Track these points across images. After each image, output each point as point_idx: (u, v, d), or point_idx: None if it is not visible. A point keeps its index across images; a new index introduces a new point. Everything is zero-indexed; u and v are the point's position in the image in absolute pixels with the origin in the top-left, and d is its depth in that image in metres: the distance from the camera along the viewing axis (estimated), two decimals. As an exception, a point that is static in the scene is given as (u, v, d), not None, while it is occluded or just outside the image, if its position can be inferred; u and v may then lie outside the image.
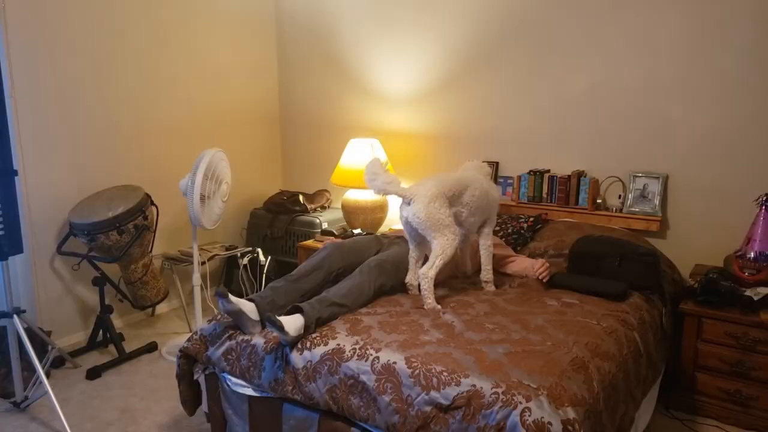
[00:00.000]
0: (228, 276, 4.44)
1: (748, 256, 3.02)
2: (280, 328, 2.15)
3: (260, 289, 4.09)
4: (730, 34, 3.13)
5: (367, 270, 2.59)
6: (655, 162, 3.43)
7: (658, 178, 3.40)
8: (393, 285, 2.68)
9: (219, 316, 2.52)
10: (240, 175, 4.55)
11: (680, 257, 3.32)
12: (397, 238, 3.00)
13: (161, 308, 4.21)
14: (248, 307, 2.38)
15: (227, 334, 2.43)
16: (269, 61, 4.82)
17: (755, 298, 2.76)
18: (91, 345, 3.59)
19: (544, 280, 2.75)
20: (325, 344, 2.20)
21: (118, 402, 3.02)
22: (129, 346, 3.59)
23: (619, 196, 3.52)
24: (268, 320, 2.16)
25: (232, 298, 2.31)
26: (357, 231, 3.95)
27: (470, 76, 3.96)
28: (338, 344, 2.17)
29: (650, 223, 3.39)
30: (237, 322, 2.36)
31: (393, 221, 4.27)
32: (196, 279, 3.45)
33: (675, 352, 2.92)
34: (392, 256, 2.73)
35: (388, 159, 4.14)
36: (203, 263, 3.83)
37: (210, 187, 3.25)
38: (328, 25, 4.52)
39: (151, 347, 3.61)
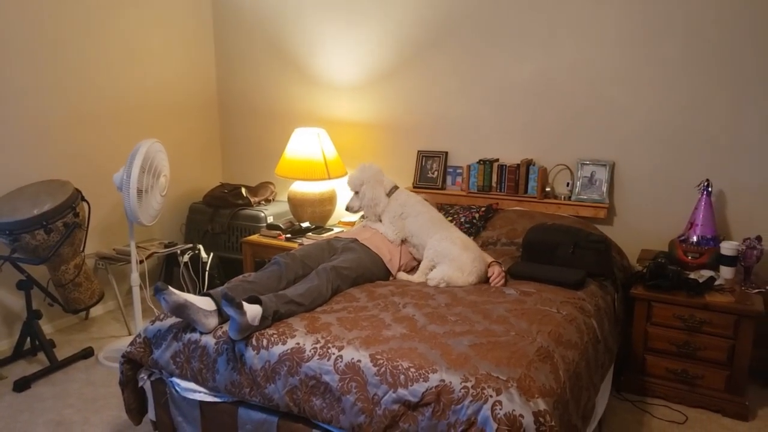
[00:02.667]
0: (168, 275, 4.22)
1: (690, 240, 3.11)
2: (238, 306, 2.03)
3: (204, 289, 3.91)
4: (673, 24, 3.20)
5: (324, 273, 2.49)
6: (602, 149, 3.48)
7: (605, 165, 3.45)
8: (348, 289, 2.60)
9: (162, 316, 2.36)
10: (177, 168, 4.32)
11: (627, 243, 3.39)
12: (351, 242, 2.90)
13: (96, 311, 3.95)
14: (200, 300, 2.24)
15: (172, 334, 2.28)
16: (206, 46, 4.60)
17: (700, 281, 2.83)
18: (18, 354, 3.31)
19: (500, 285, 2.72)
20: (284, 343, 2.08)
21: (51, 414, 2.79)
22: (61, 353, 3.34)
23: (568, 184, 3.56)
24: (225, 298, 2.04)
25: (173, 290, 2.15)
26: (305, 224, 3.83)
27: (416, 64, 3.90)
28: (297, 343, 2.07)
29: (598, 210, 3.44)
30: (186, 318, 2.21)
31: (342, 214, 4.17)
32: (135, 279, 3.24)
33: (626, 336, 2.97)
34: (348, 263, 2.64)
35: (335, 149, 4.03)
36: (140, 262, 3.60)
37: (147, 180, 3.05)
38: (269, 7, 4.34)
39: (87, 353, 3.38)
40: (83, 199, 3.37)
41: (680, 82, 3.24)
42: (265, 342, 2.10)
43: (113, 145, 3.90)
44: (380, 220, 3.09)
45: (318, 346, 2.03)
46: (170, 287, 2.15)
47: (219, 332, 2.21)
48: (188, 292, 3.94)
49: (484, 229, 3.38)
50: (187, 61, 4.45)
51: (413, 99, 3.96)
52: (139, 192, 3.00)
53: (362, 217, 3.74)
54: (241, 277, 2.69)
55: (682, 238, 3.17)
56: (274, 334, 2.12)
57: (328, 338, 2.06)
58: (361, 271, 2.67)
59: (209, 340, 2.20)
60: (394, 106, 4.03)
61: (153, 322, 2.37)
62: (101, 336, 3.67)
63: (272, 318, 2.18)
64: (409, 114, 3.99)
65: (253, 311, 2.11)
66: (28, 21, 3.40)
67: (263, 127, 4.55)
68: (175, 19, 4.31)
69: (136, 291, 3.26)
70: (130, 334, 3.63)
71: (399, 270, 2.92)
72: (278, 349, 2.07)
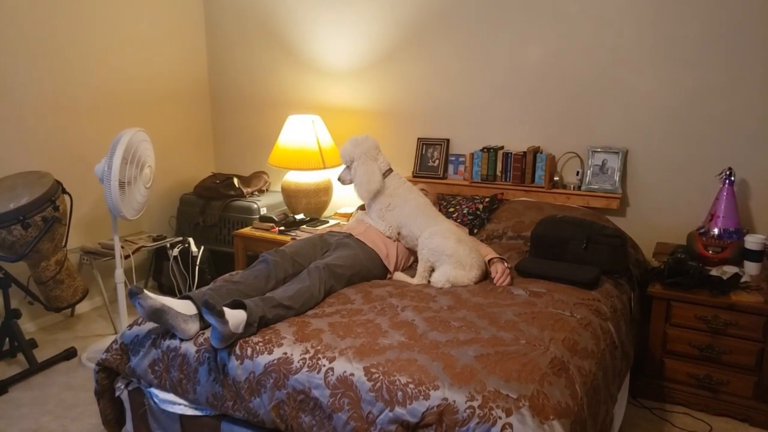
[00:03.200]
0: (157, 269, 4.03)
1: (711, 233, 2.90)
2: (219, 314, 1.84)
3: (194, 284, 3.72)
4: None
5: (316, 272, 2.29)
6: (614, 136, 3.26)
7: (617, 153, 3.23)
8: (342, 289, 2.40)
9: (141, 320, 2.17)
10: (167, 158, 4.13)
11: (641, 236, 3.17)
12: (345, 238, 2.69)
13: (82, 308, 3.76)
14: (179, 304, 2.05)
15: (151, 341, 2.09)
16: (196, 32, 4.36)
17: (724, 278, 2.63)
18: (-4, 355, 3.14)
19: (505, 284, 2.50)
20: (270, 352, 1.89)
21: (27, 422, 2.61)
22: (43, 354, 3.16)
23: (577, 173, 3.34)
24: (205, 305, 1.85)
25: (148, 293, 1.96)
26: (299, 216, 3.62)
27: (417, 47, 3.67)
28: (285, 353, 1.87)
29: (610, 201, 3.23)
30: (164, 323, 2.01)
31: (338, 204, 3.96)
32: (119, 275, 3.04)
33: (641, 338, 2.77)
34: (343, 260, 2.45)
35: (331, 137, 3.82)
36: (127, 257, 3.42)
37: (130, 171, 2.84)
38: (260, -10, 4.11)
39: (70, 354, 3.19)
40: (64, 191, 3.16)
41: (701, 62, 3.00)
42: (249, 351, 1.91)
43: (99, 135, 3.68)
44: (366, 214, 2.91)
45: (307, 356, 1.84)
46: (146, 291, 1.96)
47: (200, 339, 2.02)
48: (178, 286, 3.78)
49: (489, 221, 3.17)
50: (177, 47, 4.22)
51: (413, 83, 3.73)
52: (122, 184, 2.79)
53: (359, 208, 3.56)
54: (226, 276, 2.50)
55: (702, 230, 2.96)
56: (259, 342, 1.93)
57: (319, 348, 1.86)
58: (356, 269, 2.47)
59: (190, 348, 2.01)
60: (393, 91, 3.80)
61: (131, 326, 2.18)
62: (86, 335, 3.48)
63: (258, 324, 1.99)
64: (408, 99, 3.77)
65: (236, 318, 1.92)
66: (8, 7, 3.18)
67: (256, 115, 4.34)
68: (164, 4, 4.08)
69: (120, 289, 3.06)
70: (116, 333, 3.45)
71: (397, 267, 2.72)
72: (264, 359, 1.88)
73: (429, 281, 2.57)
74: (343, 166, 2.90)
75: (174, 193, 4.21)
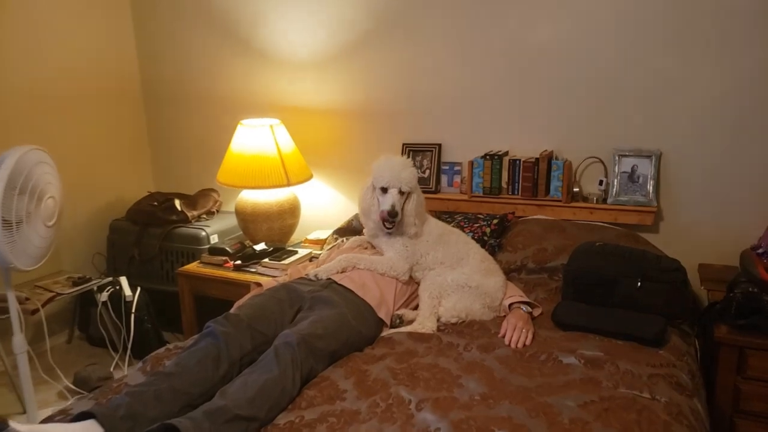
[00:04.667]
0: (83, 318, 3.26)
1: (777, 254, 2.32)
2: None
3: (129, 336, 2.97)
4: (744, -35, 2.38)
5: (288, 352, 1.60)
6: (646, 136, 2.66)
7: (649, 156, 2.64)
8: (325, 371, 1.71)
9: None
10: (92, 175, 3.38)
11: (679, 256, 2.55)
12: (323, 289, 2.01)
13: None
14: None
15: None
16: (121, 17, 3.58)
17: (811, 317, 2.05)
18: None
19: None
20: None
21: None
22: None
23: (601, 182, 2.73)
24: None
25: (17, 426, 1.25)
26: (260, 247, 2.91)
27: (399, 31, 2.99)
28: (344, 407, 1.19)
29: (643, 216, 2.63)
30: None
31: (308, 228, 3.26)
32: (19, 344, 2.29)
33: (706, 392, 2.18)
34: (323, 326, 1.76)
35: (295, 144, 3.11)
36: (35, 311, 2.65)
37: (21, 205, 2.09)
38: (199, -33, 3.36)
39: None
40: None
41: (752, 43, 2.42)
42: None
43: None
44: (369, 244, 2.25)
45: (378, 410, 1.21)
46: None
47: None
48: (110, 339, 3.02)
49: (501, 249, 2.53)
50: (98, 37, 3.43)
51: (394, 77, 3.05)
52: (7, 223, 2.04)
53: (334, 233, 2.88)
54: (158, 352, 1.79)
55: (762, 250, 2.38)
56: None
57: (391, 401, 1.24)
58: (343, 338, 1.79)
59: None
60: (370, 86, 3.11)
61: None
62: (-14, 412, 2.70)
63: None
64: (388, 96, 3.09)
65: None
66: None
67: (201, 120, 3.59)
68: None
69: (22, 362, 2.30)
70: (24, 412, 2.67)
71: (393, 310, 2.06)
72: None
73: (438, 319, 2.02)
74: (393, 192, 2.16)
75: (102, 219, 3.43)
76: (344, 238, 2.84)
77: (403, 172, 2.15)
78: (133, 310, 2.96)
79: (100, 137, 3.48)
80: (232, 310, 1.86)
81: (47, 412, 2.66)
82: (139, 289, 3.05)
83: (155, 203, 3.32)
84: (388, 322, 2.01)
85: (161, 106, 3.70)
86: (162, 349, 1.89)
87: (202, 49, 3.47)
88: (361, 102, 3.15)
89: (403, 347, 1.83)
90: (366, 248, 2.34)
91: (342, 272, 2.09)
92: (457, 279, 2.08)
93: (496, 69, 2.84)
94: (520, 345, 1.82)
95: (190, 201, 3.34)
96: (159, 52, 3.62)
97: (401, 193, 2.15)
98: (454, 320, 2.00)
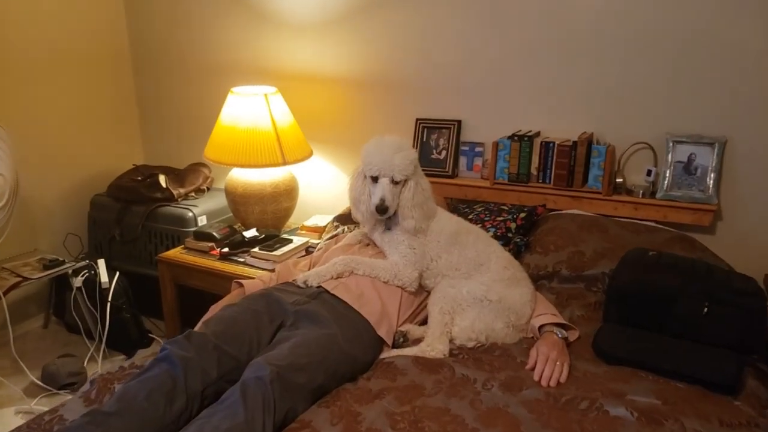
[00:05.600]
0: (59, 303, 2.94)
1: None
2: None
3: (105, 327, 2.65)
4: None
5: (258, 392, 1.25)
6: (707, 119, 2.23)
7: (711, 144, 2.21)
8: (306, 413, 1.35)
9: None
10: (72, 146, 3.04)
11: (739, 264, 2.16)
12: (311, 300, 1.65)
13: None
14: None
15: None
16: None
17: None
18: None
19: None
20: None
21: None
22: None
23: (649, 172, 2.31)
24: None
25: None
26: (250, 233, 2.55)
27: (416, -12, 2.57)
28: None
29: (700, 215, 2.22)
30: None
31: (305, 213, 2.89)
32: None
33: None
34: (306, 354, 1.40)
35: (293, 116, 2.72)
36: (-7, 300, 2.34)
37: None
38: None
39: None
40: None
41: None
42: None
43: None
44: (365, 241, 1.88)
45: None
46: None
47: None
48: (87, 328, 2.71)
49: (529, 249, 2.14)
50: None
51: (409, 41, 2.63)
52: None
53: (335, 219, 2.52)
54: (110, 372, 1.45)
55: None
56: None
57: None
58: (332, 368, 1.43)
59: None
60: (380, 52, 2.70)
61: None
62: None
63: None
64: (402, 65, 2.67)
65: None
66: None
67: (195, 87, 3.20)
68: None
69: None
70: None
71: (397, 325, 1.70)
72: None
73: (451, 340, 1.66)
74: (384, 183, 1.76)
75: (84, 195, 3.09)
76: (346, 227, 2.48)
77: (396, 156, 1.74)
78: (110, 299, 2.63)
79: (81, 103, 3.11)
80: (197, 327, 1.51)
81: (9, 411, 2.37)
82: (117, 274, 2.72)
83: (139, 178, 2.97)
84: (390, 342, 1.65)
85: (151, 70, 3.31)
86: (116, 368, 1.55)
87: (195, 9, 3.06)
88: (369, 70, 2.73)
89: (407, 379, 1.46)
90: (368, 244, 1.97)
91: (337, 278, 1.72)
92: (474, 290, 1.71)
93: (529, 34, 2.41)
94: (553, 383, 1.45)
95: (178, 177, 2.98)
96: (148, 10, 3.22)
97: (394, 182, 1.76)
98: (471, 344, 1.63)
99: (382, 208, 1.72)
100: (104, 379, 1.50)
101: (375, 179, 1.76)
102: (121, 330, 2.70)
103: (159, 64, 3.27)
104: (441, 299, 1.70)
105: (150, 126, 3.42)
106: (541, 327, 1.65)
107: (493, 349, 1.63)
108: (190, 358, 1.35)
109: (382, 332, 1.62)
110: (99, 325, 2.65)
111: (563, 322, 1.68)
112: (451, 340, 1.65)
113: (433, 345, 1.61)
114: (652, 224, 2.20)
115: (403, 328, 1.70)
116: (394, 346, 1.67)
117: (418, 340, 1.69)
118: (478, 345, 1.64)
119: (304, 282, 1.69)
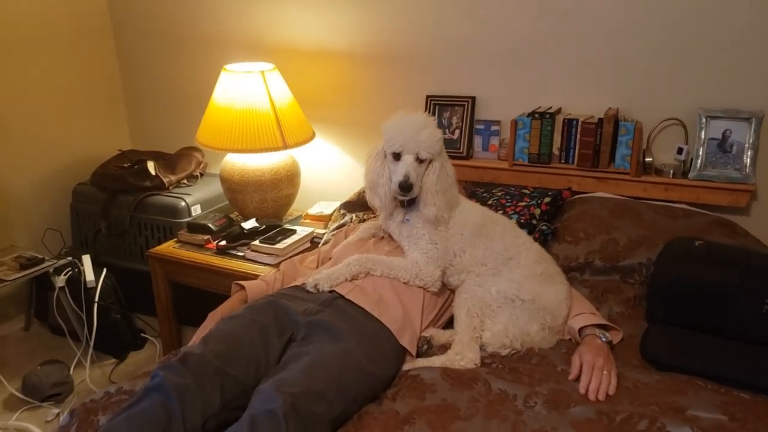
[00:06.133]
0: (41, 304, 2.74)
1: None
2: None
3: (92, 329, 2.46)
4: None
5: (272, 424, 1.06)
6: (744, 92, 2.05)
7: (749, 119, 2.03)
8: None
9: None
10: (49, 129, 2.82)
11: None
12: (324, 308, 1.45)
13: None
14: None
15: None
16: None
17: None
18: None
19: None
20: None
21: None
22: None
23: (680, 150, 2.13)
24: None
25: None
26: (249, 225, 2.36)
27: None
28: None
29: (736, 196, 2.05)
30: None
31: (309, 200, 2.70)
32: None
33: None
34: (323, 378, 1.21)
35: (293, 95, 2.51)
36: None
37: None
38: None
39: None
40: None
41: None
42: None
43: None
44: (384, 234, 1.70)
45: None
46: None
47: None
48: (72, 331, 2.50)
49: (555, 238, 1.96)
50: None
51: (417, 11, 2.42)
52: None
53: (341, 207, 2.34)
54: (94, 399, 1.28)
55: None
56: None
57: None
58: (353, 392, 1.25)
59: None
60: (387, 24, 2.48)
61: None
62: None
63: None
64: (410, 36, 2.46)
65: None
66: None
67: (184, 64, 2.98)
68: None
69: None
70: None
71: (421, 330, 1.53)
72: None
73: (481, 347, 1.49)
74: (408, 160, 1.57)
75: (66, 184, 2.87)
76: (354, 215, 2.30)
77: (423, 132, 1.56)
78: (96, 299, 2.44)
79: (61, 85, 2.89)
80: (192, 341, 1.33)
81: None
82: (105, 271, 2.53)
83: (125, 165, 2.76)
84: (414, 351, 1.47)
85: (136, 45, 3.07)
86: (100, 394, 1.36)
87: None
88: (375, 42, 2.52)
89: (437, 397, 1.29)
90: (382, 238, 1.78)
91: (351, 280, 1.54)
92: (504, 289, 1.53)
93: (549, 2, 2.20)
94: (601, 396, 1.29)
95: (168, 162, 2.77)
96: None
97: (419, 161, 1.57)
98: (505, 351, 1.46)
99: (406, 185, 1.53)
100: (86, 408, 1.32)
101: (397, 156, 1.57)
102: (111, 332, 2.52)
103: (145, 39, 3.03)
104: (468, 300, 1.52)
105: (137, 107, 3.20)
106: (581, 329, 1.49)
107: (529, 355, 1.46)
108: (187, 386, 1.16)
109: (405, 341, 1.45)
110: (86, 328, 2.45)
111: (605, 322, 1.51)
112: (481, 347, 1.48)
113: (462, 353, 1.44)
114: (688, 207, 2.02)
115: (426, 334, 1.53)
116: (418, 354, 1.50)
117: (443, 347, 1.52)
118: (513, 352, 1.47)
119: (315, 286, 1.50)
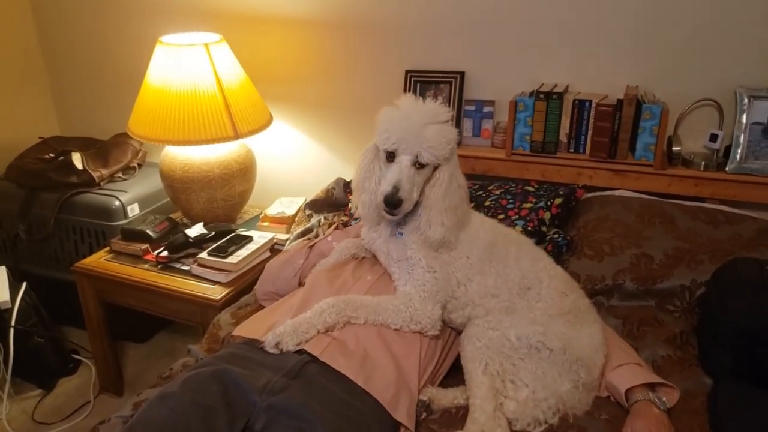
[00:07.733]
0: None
1: None
2: None
3: (8, 357, 2.03)
4: None
5: None
6: (794, 67, 1.71)
7: (800, 99, 1.70)
8: None
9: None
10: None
11: None
12: (289, 380, 1.07)
13: None
14: None
15: None
16: None
17: None
18: None
19: None
20: None
21: None
22: None
23: (713, 137, 1.79)
24: None
25: None
26: (195, 231, 1.94)
27: None
28: None
29: (780, 192, 1.73)
30: None
31: (268, 194, 2.28)
32: None
33: None
34: None
35: (245, 72, 2.07)
36: None
37: None
38: None
39: None
40: None
41: None
42: None
43: None
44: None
45: None
46: None
47: None
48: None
49: (571, 250, 1.61)
50: None
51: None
52: None
53: (307, 206, 1.95)
54: None
55: None
56: None
57: None
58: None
59: None
60: (357, -17, 2.06)
61: None
62: None
63: None
64: (388, 2, 2.04)
65: None
66: None
67: (113, 34, 2.49)
68: None
69: None
70: None
71: (419, 389, 1.17)
72: None
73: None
74: (403, 163, 1.19)
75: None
76: (322, 217, 1.91)
77: (428, 128, 1.17)
78: (13, 322, 2.01)
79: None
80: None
81: None
82: (24, 286, 2.10)
83: (48, 156, 2.30)
84: (413, 426, 1.11)
85: (58, 16, 2.57)
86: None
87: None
88: (343, 7, 2.08)
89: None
90: (363, 258, 1.40)
91: (326, 332, 1.16)
92: (527, 334, 1.17)
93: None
94: None
95: (99, 153, 2.32)
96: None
97: (419, 165, 1.18)
98: (540, 429, 1.10)
99: (392, 201, 1.15)
100: None
101: (390, 157, 1.18)
102: (34, 358, 2.10)
103: (69, 8, 2.53)
104: (484, 352, 1.15)
105: (62, 87, 2.71)
106: (628, 391, 1.14)
107: (563, 427, 1.11)
108: None
109: (402, 414, 1.08)
110: (1, 356, 2.03)
111: (655, 379, 1.17)
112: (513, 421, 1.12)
113: (490, 430, 1.07)
114: (729, 210, 1.68)
115: (423, 396, 1.17)
116: (416, 424, 1.14)
117: (447, 411, 1.16)
118: (547, 426, 1.11)
119: (276, 345, 1.11)
